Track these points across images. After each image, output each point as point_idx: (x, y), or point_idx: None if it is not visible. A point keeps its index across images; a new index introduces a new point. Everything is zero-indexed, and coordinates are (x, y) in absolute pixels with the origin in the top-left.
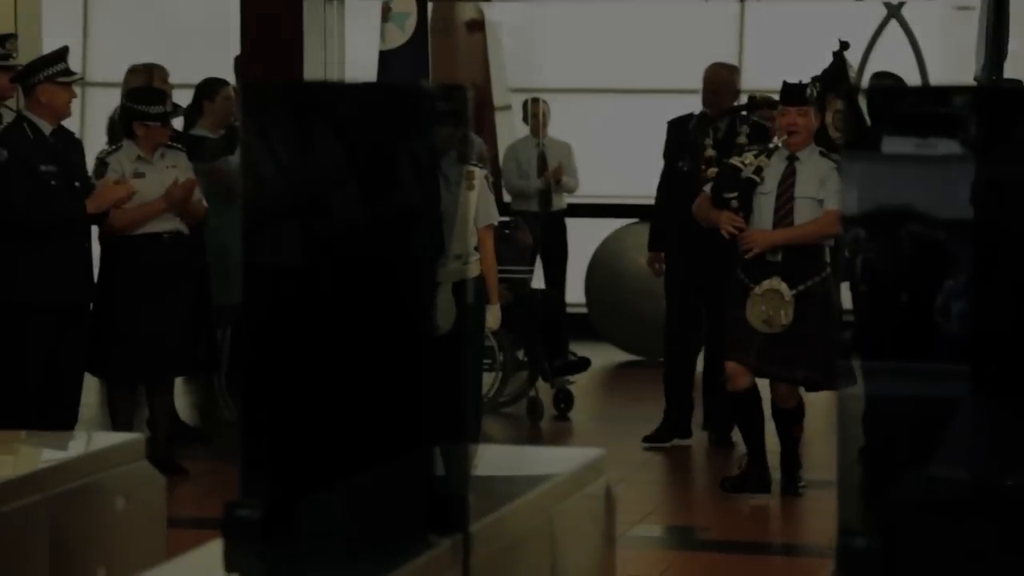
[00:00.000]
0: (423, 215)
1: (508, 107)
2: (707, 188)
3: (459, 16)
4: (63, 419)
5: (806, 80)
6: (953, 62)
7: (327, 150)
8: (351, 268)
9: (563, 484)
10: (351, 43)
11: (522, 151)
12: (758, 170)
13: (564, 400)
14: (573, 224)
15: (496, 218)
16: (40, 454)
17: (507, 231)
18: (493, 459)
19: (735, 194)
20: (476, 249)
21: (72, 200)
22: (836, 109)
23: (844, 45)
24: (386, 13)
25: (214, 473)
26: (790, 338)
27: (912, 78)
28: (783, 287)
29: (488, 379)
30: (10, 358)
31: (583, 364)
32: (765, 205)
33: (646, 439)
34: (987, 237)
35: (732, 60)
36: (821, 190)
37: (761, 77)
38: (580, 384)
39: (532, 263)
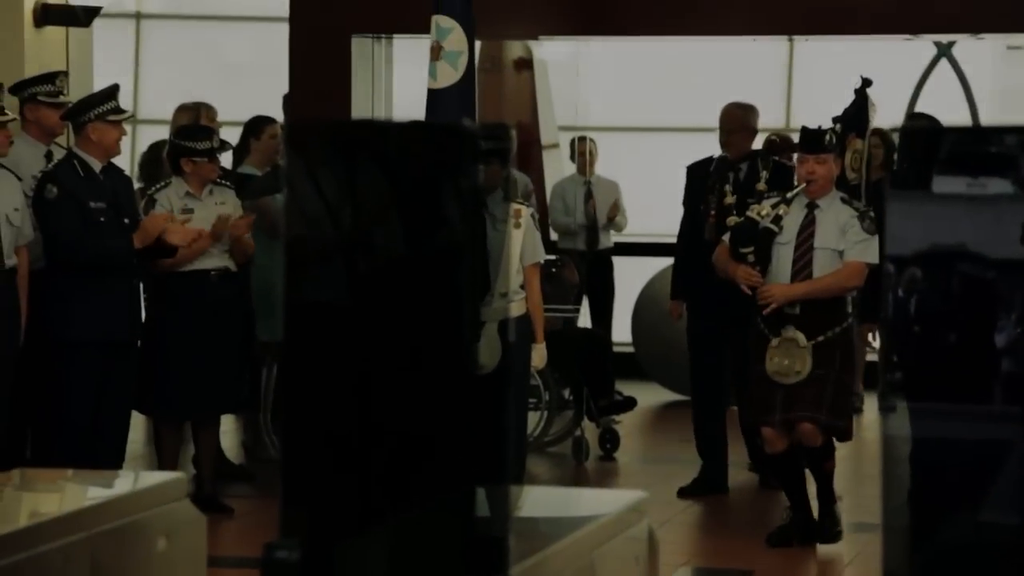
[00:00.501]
0: (468, 253)
1: (556, 145)
2: (726, 237)
3: (507, 55)
4: (110, 456)
5: (827, 126)
6: (1005, 101)
7: (370, 188)
8: (394, 306)
9: (605, 526)
10: (399, 81)
11: (569, 189)
12: (777, 219)
13: (610, 440)
14: (620, 263)
15: (543, 256)
16: (83, 493)
17: (553, 269)
18: (535, 501)
19: (751, 248)
20: (522, 287)
21: (121, 237)
22: (855, 149)
23: (866, 82)
24: (437, 52)
25: (259, 512)
26: (810, 382)
27: (962, 117)
28: (799, 336)
29: (534, 418)
30: (58, 395)
31: (629, 404)
32: (784, 256)
33: (682, 492)
34: None
35: (781, 98)
36: (841, 240)
37: (810, 116)
38: (626, 424)
39: (578, 302)
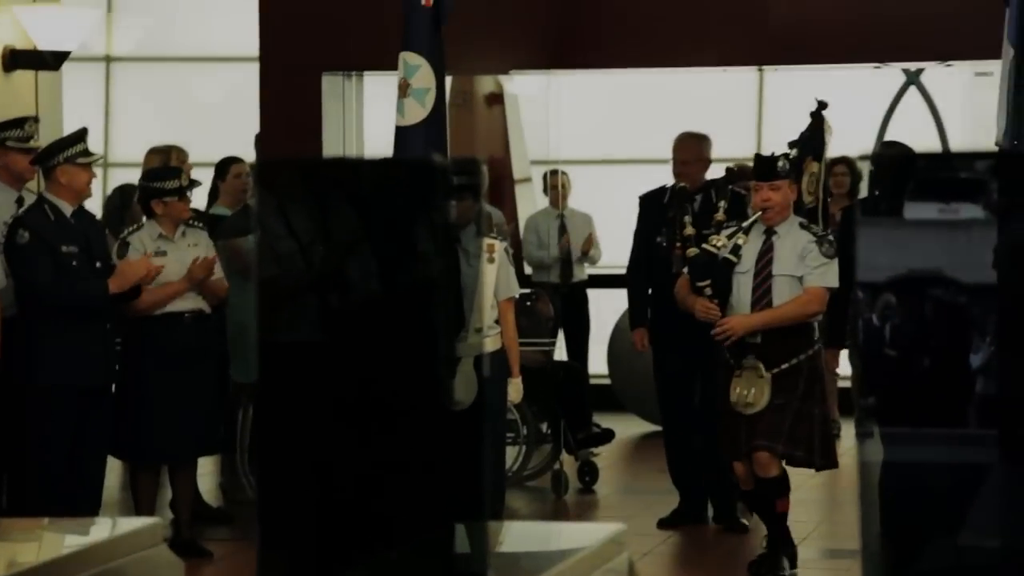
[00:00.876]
0: (441, 289)
1: (528, 179)
2: (686, 270)
3: (478, 89)
4: (86, 503)
5: (780, 152)
6: (974, 128)
7: (342, 226)
8: (368, 344)
9: (585, 560)
10: (370, 118)
11: (542, 222)
12: (735, 249)
13: (589, 473)
14: (595, 295)
15: (516, 291)
16: (59, 541)
17: (528, 303)
18: (515, 536)
19: (707, 282)
20: (497, 322)
21: (94, 281)
22: (811, 172)
23: (822, 105)
24: (405, 89)
25: (238, 554)
26: (768, 412)
27: (932, 144)
28: (759, 366)
29: (512, 453)
30: (33, 441)
31: (607, 436)
32: (743, 285)
33: (661, 523)
34: (1010, 301)
35: (752, 128)
36: (800, 266)
37: (781, 146)
38: (604, 456)
39: (554, 335)
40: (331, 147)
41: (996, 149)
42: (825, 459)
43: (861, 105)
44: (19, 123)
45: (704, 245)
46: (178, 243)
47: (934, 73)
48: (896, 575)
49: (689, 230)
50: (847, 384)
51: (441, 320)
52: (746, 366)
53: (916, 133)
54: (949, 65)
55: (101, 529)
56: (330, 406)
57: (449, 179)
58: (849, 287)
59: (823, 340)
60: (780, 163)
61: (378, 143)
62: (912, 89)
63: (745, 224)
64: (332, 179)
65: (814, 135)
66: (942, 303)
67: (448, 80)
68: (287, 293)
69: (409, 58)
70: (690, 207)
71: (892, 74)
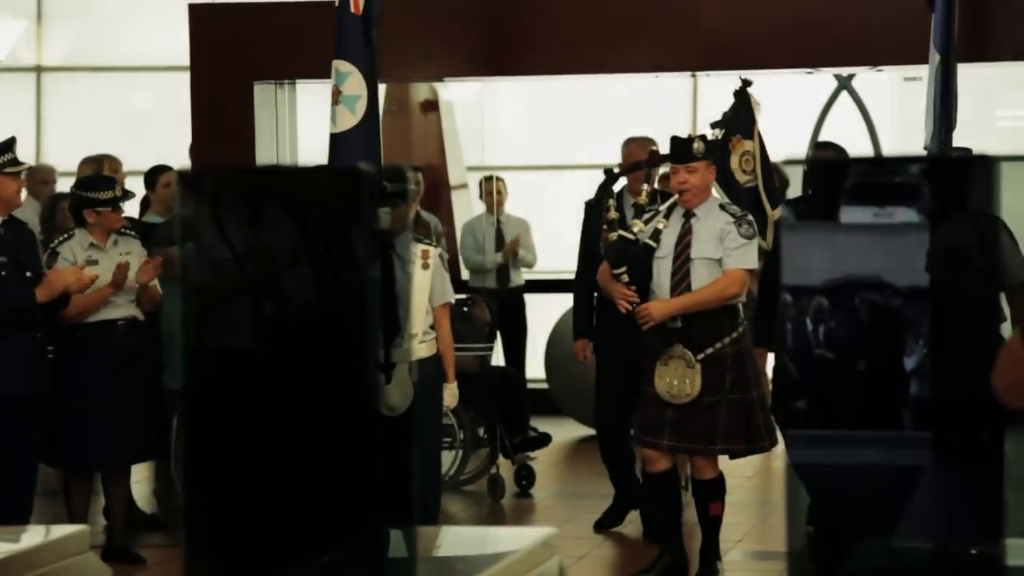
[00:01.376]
0: (374, 296)
1: (464, 185)
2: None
3: (413, 97)
4: (16, 510)
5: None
6: (904, 132)
7: (272, 233)
8: (298, 351)
9: (515, 564)
10: (303, 126)
11: (478, 228)
12: (656, 233)
13: (526, 477)
14: (532, 300)
15: (452, 296)
16: None
17: (465, 308)
18: (447, 540)
19: (623, 269)
20: (432, 328)
21: (24, 290)
22: (744, 151)
23: (746, 83)
24: (336, 96)
25: (171, 560)
26: (702, 408)
27: (864, 148)
28: (687, 355)
29: (448, 457)
30: None
31: (544, 440)
32: (663, 270)
33: (598, 524)
34: (943, 304)
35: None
36: (719, 248)
37: None
38: (541, 460)
39: (491, 340)
40: (264, 156)
41: (925, 153)
42: (771, 437)
43: (793, 110)
44: None
45: (621, 231)
46: (110, 252)
47: (865, 78)
48: None
49: (613, 214)
50: None
51: (375, 326)
52: (673, 355)
53: (848, 137)
54: (880, 70)
55: (29, 536)
56: (260, 413)
57: (379, 186)
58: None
59: (752, 333)
60: (696, 144)
61: (312, 152)
62: (844, 94)
63: (663, 207)
64: (261, 187)
65: (738, 113)
66: (875, 306)
67: (383, 88)
68: (218, 301)
69: (340, 66)
70: (614, 192)
71: (824, 79)
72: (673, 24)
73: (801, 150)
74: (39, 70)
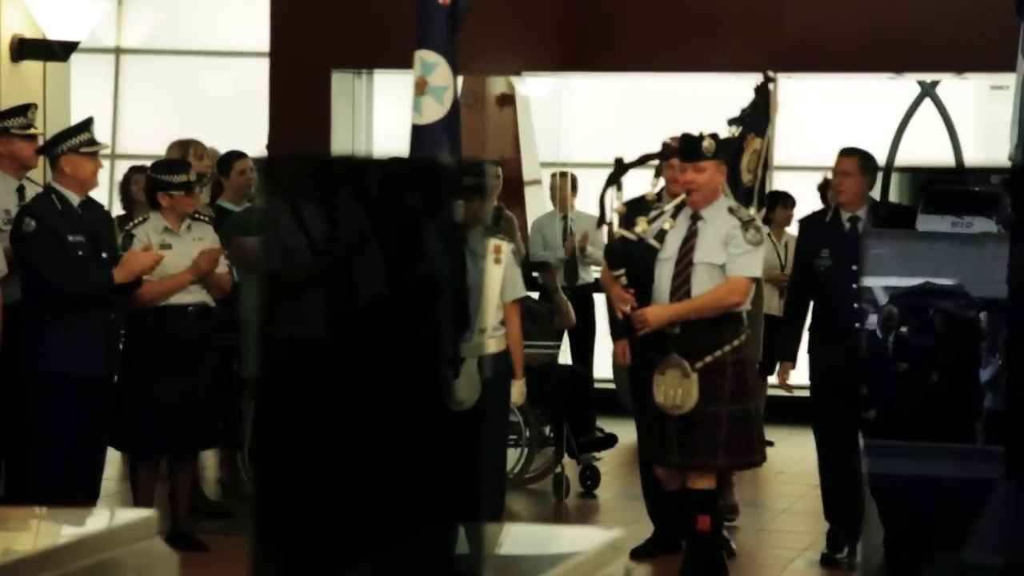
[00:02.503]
0: (447, 289)
1: (538, 181)
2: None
3: (490, 90)
4: (84, 493)
5: (805, 163)
6: (988, 142)
7: (348, 224)
8: (372, 342)
9: (582, 565)
10: (380, 116)
11: (547, 225)
12: (661, 234)
13: (590, 477)
14: (600, 298)
15: (523, 292)
16: (53, 531)
17: (534, 306)
18: (513, 538)
19: (622, 271)
20: (502, 323)
21: (100, 271)
22: (753, 149)
23: (768, 78)
24: (423, 87)
25: (234, 548)
26: (703, 420)
27: (946, 156)
28: (684, 364)
29: (514, 455)
30: (33, 430)
31: (610, 441)
32: (664, 273)
33: (634, 553)
34: (1019, 316)
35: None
36: (723, 253)
37: (796, 153)
38: (606, 460)
39: (559, 338)
40: (340, 144)
41: (1009, 164)
42: (762, 451)
43: (875, 115)
44: (21, 110)
45: (623, 230)
46: (183, 237)
47: (950, 85)
48: None
49: (619, 207)
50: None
51: (446, 320)
52: (670, 364)
53: (930, 145)
54: (965, 77)
55: (96, 520)
56: (330, 403)
57: (458, 180)
58: (802, 299)
59: (778, 354)
60: (706, 143)
61: (387, 141)
62: (927, 101)
63: (668, 207)
64: (339, 176)
65: (756, 111)
66: (953, 316)
67: (459, 80)
68: (292, 289)
69: (426, 56)
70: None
71: (907, 85)
72: (755, 24)
73: (881, 157)
74: (118, 52)
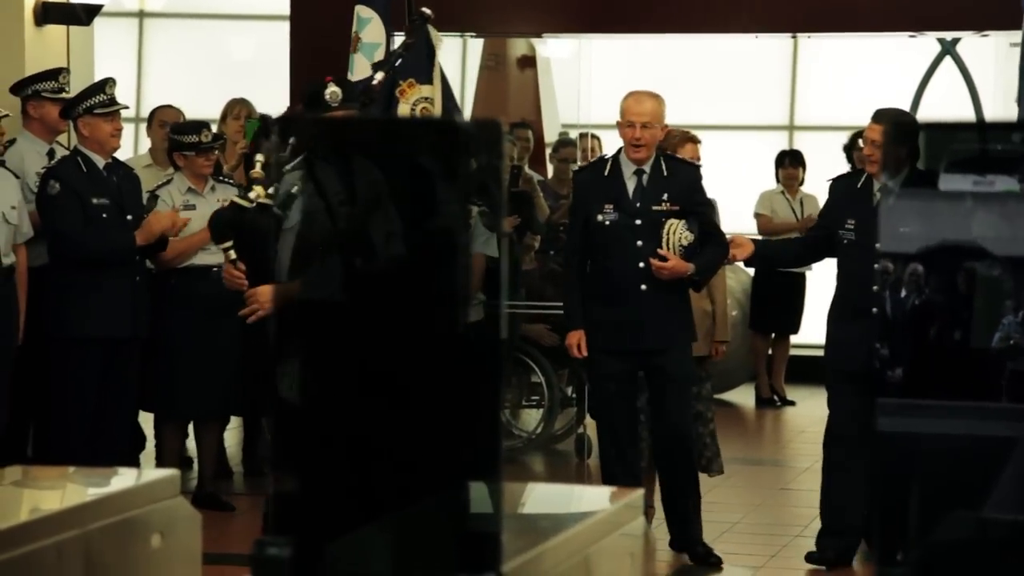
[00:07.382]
0: (462, 250)
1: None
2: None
3: (510, 52)
4: (111, 453)
5: (830, 121)
6: (1008, 99)
7: (364, 184)
8: (387, 303)
9: (600, 523)
10: None
11: None
12: (289, 200)
13: None
14: None
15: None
16: (78, 490)
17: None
18: (531, 497)
19: (230, 243)
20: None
21: (123, 233)
22: (422, 96)
23: (425, 17)
24: (355, 43)
25: (259, 509)
26: None
27: (967, 114)
28: None
29: (536, 415)
30: (60, 391)
31: None
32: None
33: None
34: None
35: (785, 96)
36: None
37: (818, 113)
38: None
39: None
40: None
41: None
42: None
43: (895, 74)
44: (53, 74)
45: (235, 198)
46: (207, 197)
47: (970, 43)
48: (914, 547)
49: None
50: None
51: (464, 280)
52: None
53: (950, 104)
54: (985, 35)
55: (121, 479)
56: (347, 363)
57: (473, 140)
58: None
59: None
60: (329, 92)
61: None
62: (947, 59)
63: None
64: (353, 138)
65: (412, 54)
66: (974, 275)
67: (480, 42)
68: (311, 250)
69: (362, 11)
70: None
71: (928, 43)
72: None
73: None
74: (141, 15)
